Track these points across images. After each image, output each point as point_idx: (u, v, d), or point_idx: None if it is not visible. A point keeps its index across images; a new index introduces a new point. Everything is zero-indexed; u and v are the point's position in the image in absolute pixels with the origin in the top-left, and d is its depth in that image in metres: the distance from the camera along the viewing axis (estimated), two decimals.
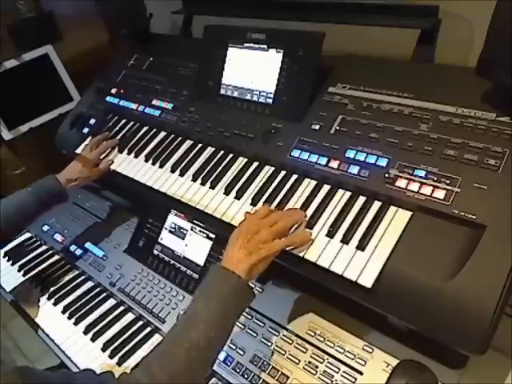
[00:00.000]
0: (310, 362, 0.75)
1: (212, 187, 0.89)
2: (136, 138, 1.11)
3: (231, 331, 0.66)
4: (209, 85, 1.03)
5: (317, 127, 0.84)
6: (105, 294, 1.00)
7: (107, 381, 0.59)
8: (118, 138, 1.14)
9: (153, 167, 1.01)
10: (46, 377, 0.56)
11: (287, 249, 0.71)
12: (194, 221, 0.97)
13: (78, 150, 1.17)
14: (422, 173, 0.70)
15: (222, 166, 0.92)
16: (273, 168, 0.87)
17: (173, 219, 1.01)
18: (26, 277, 1.10)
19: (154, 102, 1.14)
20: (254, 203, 0.83)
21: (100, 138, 1.14)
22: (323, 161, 0.80)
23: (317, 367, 0.74)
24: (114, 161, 1.09)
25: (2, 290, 1.09)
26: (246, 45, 0.96)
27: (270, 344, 0.79)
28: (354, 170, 0.76)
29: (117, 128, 1.17)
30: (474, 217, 0.62)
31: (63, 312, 0.99)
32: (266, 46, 0.93)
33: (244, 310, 0.68)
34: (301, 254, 0.71)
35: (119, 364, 0.86)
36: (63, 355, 0.91)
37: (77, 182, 1.04)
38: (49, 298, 1.03)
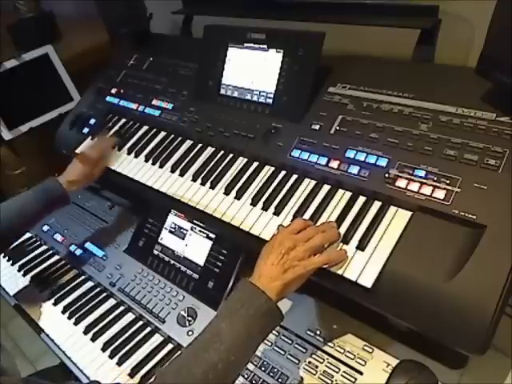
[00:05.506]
0: (310, 362, 0.75)
1: (212, 187, 0.89)
2: (136, 137, 1.11)
3: (253, 354, 0.62)
4: (209, 85, 1.03)
5: (317, 127, 0.84)
6: (105, 294, 1.00)
7: None
8: (117, 137, 1.14)
9: (153, 167, 1.01)
10: None
11: (324, 267, 0.67)
12: (194, 221, 0.96)
13: (78, 150, 1.17)
14: (422, 173, 0.70)
15: (222, 166, 0.92)
16: (273, 168, 0.87)
17: (173, 219, 1.01)
18: (26, 277, 1.10)
19: (154, 102, 1.14)
20: (253, 203, 0.83)
21: (100, 137, 1.14)
22: (323, 161, 0.80)
23: (317, 367, 0.74)
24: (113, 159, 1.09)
25: (2, 291, 1.09)
26: (246, 45, 0.96)
27: (270, 344, 0.79)
28: (354, 170, 0.76)
29: (117, 128, 1.17)
30: (474, 217, 0.62)
31: (63, 312, 0.98)
32: (266, 46, 0.93)
33: (270, 332, 0.64)
34: None
35: (119, 364, 0.85)
36: (63, 355, 0.91)
37: (80, 184, 1.01)
38: (49, 298, 1.02)
